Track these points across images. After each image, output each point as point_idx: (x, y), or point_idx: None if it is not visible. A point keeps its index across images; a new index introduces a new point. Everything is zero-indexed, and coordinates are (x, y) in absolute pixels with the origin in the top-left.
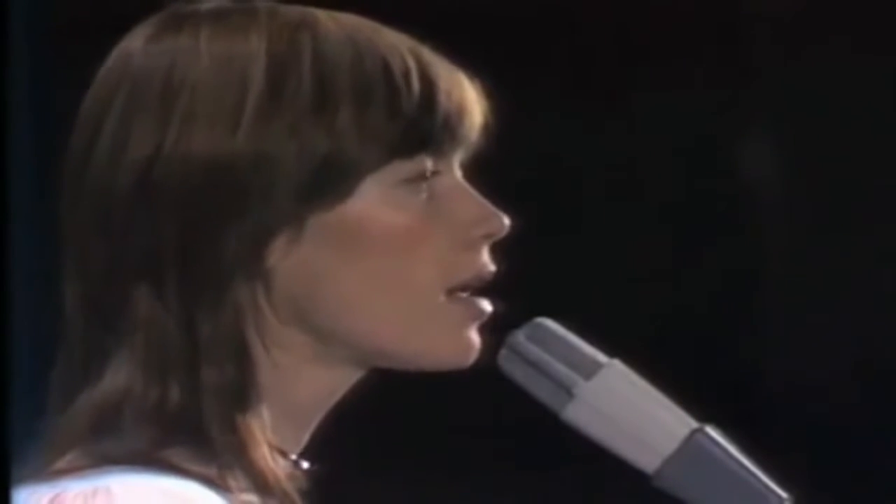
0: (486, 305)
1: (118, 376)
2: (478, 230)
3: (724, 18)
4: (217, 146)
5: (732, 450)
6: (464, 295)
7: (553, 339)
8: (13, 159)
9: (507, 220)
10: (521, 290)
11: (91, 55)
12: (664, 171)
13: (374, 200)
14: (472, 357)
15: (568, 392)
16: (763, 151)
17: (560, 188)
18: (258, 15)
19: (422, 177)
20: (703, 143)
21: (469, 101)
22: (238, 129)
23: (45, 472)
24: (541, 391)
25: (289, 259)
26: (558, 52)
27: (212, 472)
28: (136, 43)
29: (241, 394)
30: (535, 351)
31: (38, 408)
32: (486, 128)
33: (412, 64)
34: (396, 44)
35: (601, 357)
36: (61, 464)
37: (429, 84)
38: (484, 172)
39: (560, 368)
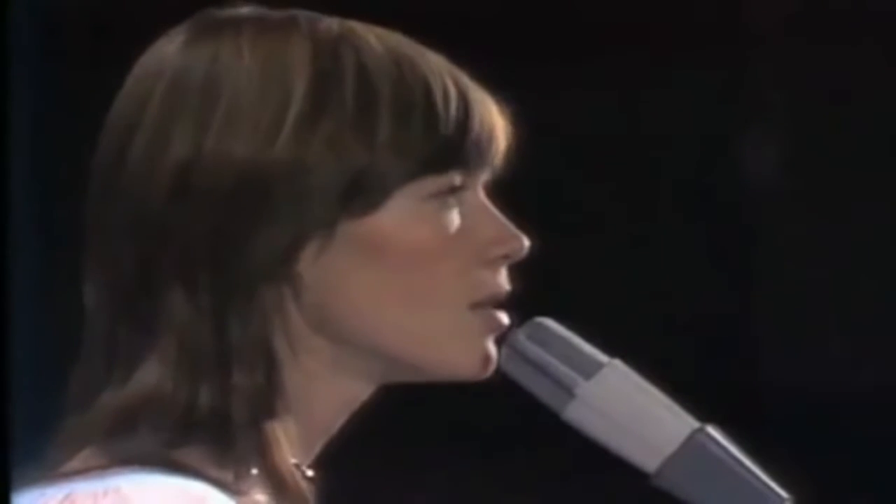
0: (504, 318)
1: (147, 377)
2: (498, 250)
3: (724, 18)
4: (256, 153)
5: (733, 450)
6: (482, 308)
7: (553, 338)
8: (12, 160)
9: (526, 242)
10: (520, 289)
11: (91, 55)
12: (664, 171)
13: (403, 213)
14: (490, 369)
15: (568, 392)
16: (765, 151)
17: (560, 188)
18: (299, 24)
19: (450, 192)
20: (701, 143)
21: (498, 126)
22: (278, 138)
23: (57, 472)
24: (541, 391)
25: (316, 266)
26: (555, 52)
27: (225, 475)
28: (172, 45)
29: (269, 398)
30: (535, 351)
31: (37, 408)
32: (510, 152)
33: (451, 87)
34: (437, 65)
35: (601, 357)
36: (74, 463)
37: (465, 107)
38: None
39: (560, 368)
